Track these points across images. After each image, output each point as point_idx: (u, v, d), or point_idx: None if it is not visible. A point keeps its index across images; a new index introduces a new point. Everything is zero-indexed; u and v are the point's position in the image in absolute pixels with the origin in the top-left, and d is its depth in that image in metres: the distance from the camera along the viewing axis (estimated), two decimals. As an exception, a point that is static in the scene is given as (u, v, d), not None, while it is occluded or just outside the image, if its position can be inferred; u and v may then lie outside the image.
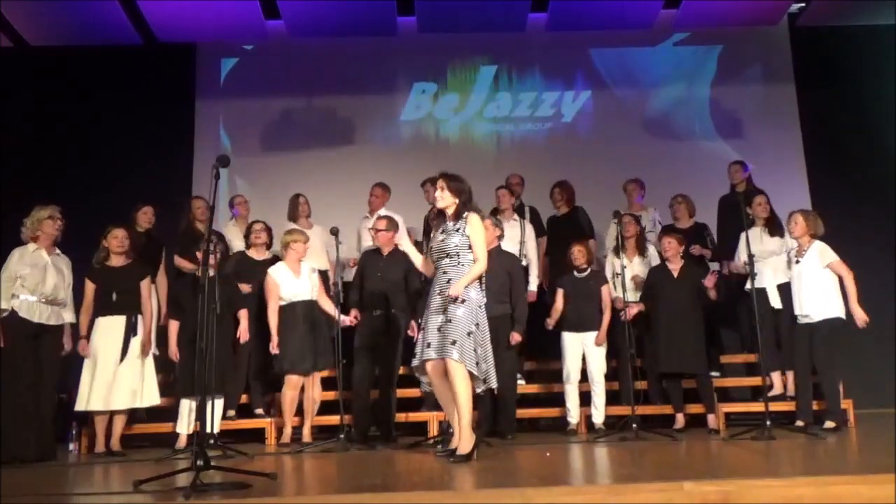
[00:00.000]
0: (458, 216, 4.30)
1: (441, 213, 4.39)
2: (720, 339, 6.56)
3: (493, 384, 4.29)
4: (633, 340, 5.66)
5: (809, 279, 5.47)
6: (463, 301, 4.14)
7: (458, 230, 4.26)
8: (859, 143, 7.87)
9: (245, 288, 5.76)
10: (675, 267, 5.83)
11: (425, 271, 4.49)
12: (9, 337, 4.99)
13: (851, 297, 5.38)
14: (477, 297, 4.21)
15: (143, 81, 7.92)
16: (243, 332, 5.51)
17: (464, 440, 4.12)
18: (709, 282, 5.64)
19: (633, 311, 5.75)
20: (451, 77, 8.33)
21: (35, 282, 5.08)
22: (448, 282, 4.21)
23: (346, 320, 5.48)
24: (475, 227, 4.23)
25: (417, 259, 4.50)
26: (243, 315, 5.56)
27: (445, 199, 4.32)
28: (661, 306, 5.74)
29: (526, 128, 8.28)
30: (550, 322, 5.87)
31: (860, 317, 5.36)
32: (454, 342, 4.08)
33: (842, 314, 5.44)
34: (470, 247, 4.22)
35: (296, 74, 8.23)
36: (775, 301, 5.84)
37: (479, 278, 4.28)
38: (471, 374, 4.11)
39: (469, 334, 4.10)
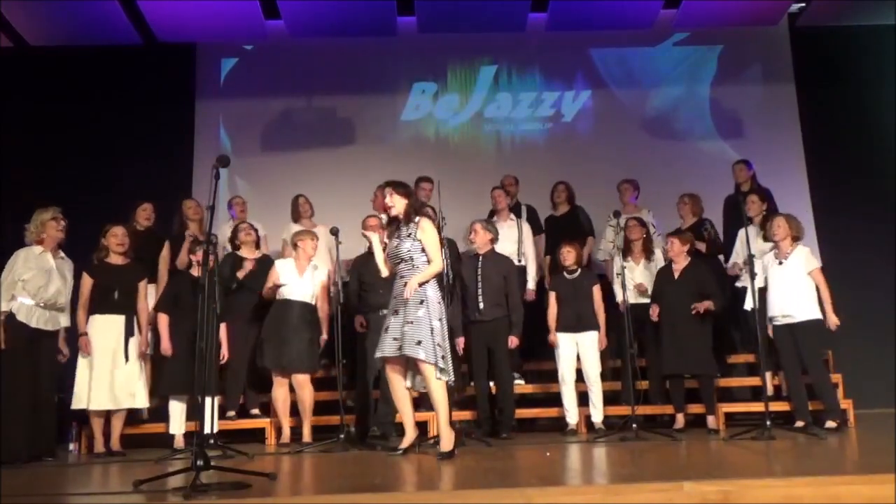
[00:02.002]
0: (408, 220, 4.48)
1: (394, 220, 4.57)
2: (723, 339, 6.53)
3: (451, 378, 4.39)
4: (633, 340, 5.66)
5: (794, 281, 5.50)
6: (421, 302, 4.31)
7: (409, 235, 4.45)
8: (859, 143, 7.87)
9: (247, 268, 5.78)
10: (677, 267, 5.80)
11: (385, 273, 4.67)
12: (6, 340, 4.97)
13: (828, 304, 5.48)
14: (434, 295, 4.38)
15: (143, 81, 7.92)
16: (225, 352, 5.50)
17: (444, 438, 4.28)
18: (699, 308, 5.59)
19: (655, 312, 5.76)
20: (451, 77, 8.32)
21: (37, 286, 5.05)
22: (405, 285, 4.38)
23: (357, 328, 5.70)
24: (426, 231, 4.43)
25: (380, 257, 4.71)
26: (222, 331, 5.49)
27: (397, 206, 4.52)
28: (663, 307, 5.74)
29: (526, 128, 8.27)
30: (552, 337, 5.83)
31: (834, 321, 5.48)
32: (419, 342, 4.24)
33: (821, 315, 5.50)
34: (423, 250, 4.41)
35: (296, 74, 8.23)
36: (748, 303, 5.80)
37: (438, 277, 4.47)
38: (436, 367, 4.26)
39: (432, 331, 4.27)
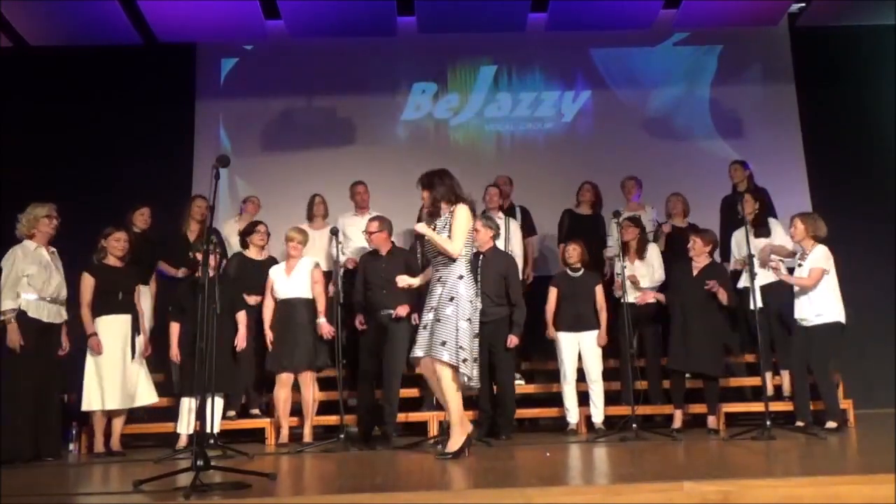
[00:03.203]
0: (438, 212, 4.40)
1: (430, 214, 4.49)
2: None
3: (476, 384, 4.31)
4: (633, 340, 5.66)
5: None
6: (451, 299, 4.22)
7: (445, 226, 4.35)
8: (859, 143, 7.87)
9: (252, 300, 5.76)
10: (697, 265, 5.74)
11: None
12: (23, 336, 4.95)
13: (791, 279, 5.46)
14: (466, 293, 4.26)
15: (143, 81, 7.91)
16: (241, 339, 5.49)
17: (452, 438, 4.23)
18: (714, 287, 5.53)
19: (650, 296, 5.74)
20: (451, 77, 8.32)
21: (41, 280, 5.07)
22: (440, 279, 4.31)
23: (357, 325, 5.70)
24: (457, 216, 4.31)
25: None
26: (242, 320, 5.52)
27: (426, 200, 4.46)
28: (677, 303, 5.71)
29: (526, 128, 8.27)
30: (550, 331, 5.85)
31: (778, 269, 5.46)
32: (444, 343, 4.18)
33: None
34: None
35: (296, 74, 8.23)
36: (758, 301, 5.78)
37: (474, 278, 4.40)
38: (457, 370, 4.18)
39: (457, 331, 4.18)
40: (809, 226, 5.49)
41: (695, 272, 5.73)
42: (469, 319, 4.23)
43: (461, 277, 4.28)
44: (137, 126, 7.77)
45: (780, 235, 6.05)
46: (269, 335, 5.55)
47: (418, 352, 4.32)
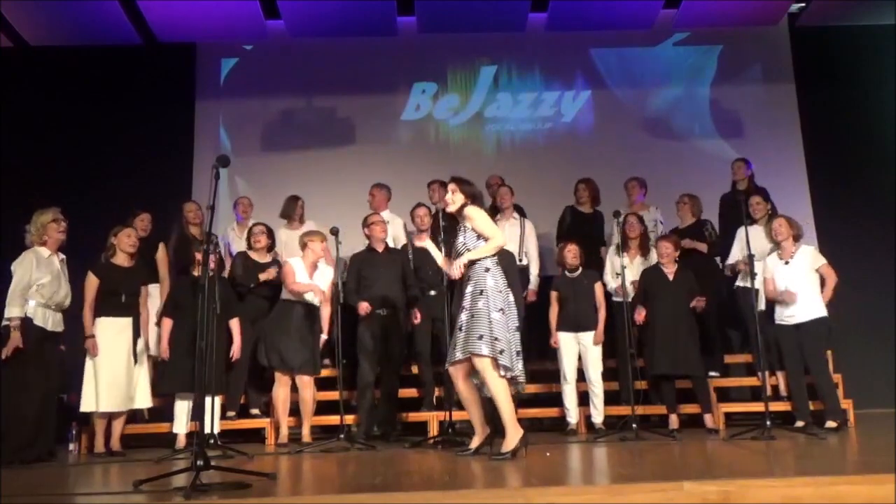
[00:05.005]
0: (462, 215, 4.35)
1: (452, 216, 4.44)
2: (721, 339, 6.53)
3: (521, 377, 4.17)
4: (633, 340, 5.66)
5: (801, 280, 5.54)
6: (481, 293, 4.16)
7: (463, 228, 4.32)
8: (859, 143, 7.88)
9: (271, 273, 5.77)
10: (670, 270, 5.81)
11: (447, 269, 4.47)
12: (24, 342, 4.93)
13: (828, 296, 5.58)
14: (494, 284, 4.19)
15: (143, 81, 7.92)
16: (236, 350, 5.49)
17: (507, 437, 4.10)
18: (698, 303, 5.66)
19: (642, 315, 5.75)
20: (451, 77, 8.32)
21: (52, 290, 5.04)
22: (468, 278, 4.25)
23: (361, 311, 5.60)
24: (475, 215, 4.28)
25: (439, 258, 4.60)
26: (235, 327, 5.51)
27: (456, 202, 4.37)
28: (656, 309, 5.74)
29: (526, 128, 8.27)
30: (554, 337, 5.84)
31: (827, 296, 5.59)
32: (480, 336, 4.09)
33: (826, 313, 5.52)
34: (479, 237, 4.25)
35: (296, 74, 8.23)
36: (762, 303, 5.83)
37: (507, 267, 4.33)
38: (495, 362, 4.07)
39: (490, 323, 4.10)
40: (794, 226, 5.68)
41: (670, 277, 5.78)
42: (501, 310, 4.13)
43: (487, 270, 4.22)
44: (137, 126, 7.77)
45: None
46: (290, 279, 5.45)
47: (457, 354, 4.20)
